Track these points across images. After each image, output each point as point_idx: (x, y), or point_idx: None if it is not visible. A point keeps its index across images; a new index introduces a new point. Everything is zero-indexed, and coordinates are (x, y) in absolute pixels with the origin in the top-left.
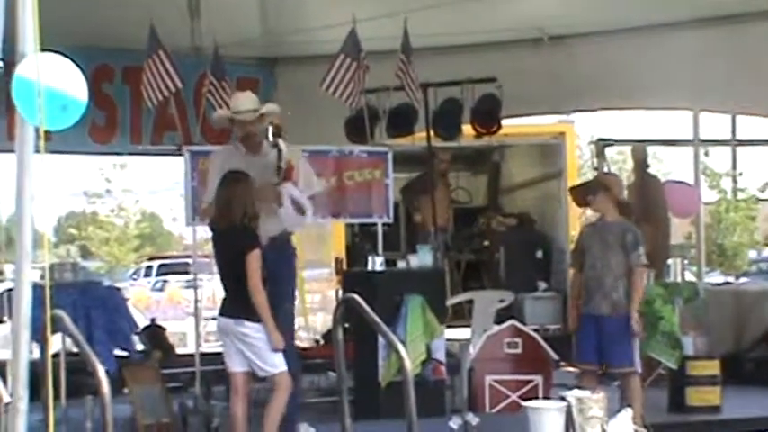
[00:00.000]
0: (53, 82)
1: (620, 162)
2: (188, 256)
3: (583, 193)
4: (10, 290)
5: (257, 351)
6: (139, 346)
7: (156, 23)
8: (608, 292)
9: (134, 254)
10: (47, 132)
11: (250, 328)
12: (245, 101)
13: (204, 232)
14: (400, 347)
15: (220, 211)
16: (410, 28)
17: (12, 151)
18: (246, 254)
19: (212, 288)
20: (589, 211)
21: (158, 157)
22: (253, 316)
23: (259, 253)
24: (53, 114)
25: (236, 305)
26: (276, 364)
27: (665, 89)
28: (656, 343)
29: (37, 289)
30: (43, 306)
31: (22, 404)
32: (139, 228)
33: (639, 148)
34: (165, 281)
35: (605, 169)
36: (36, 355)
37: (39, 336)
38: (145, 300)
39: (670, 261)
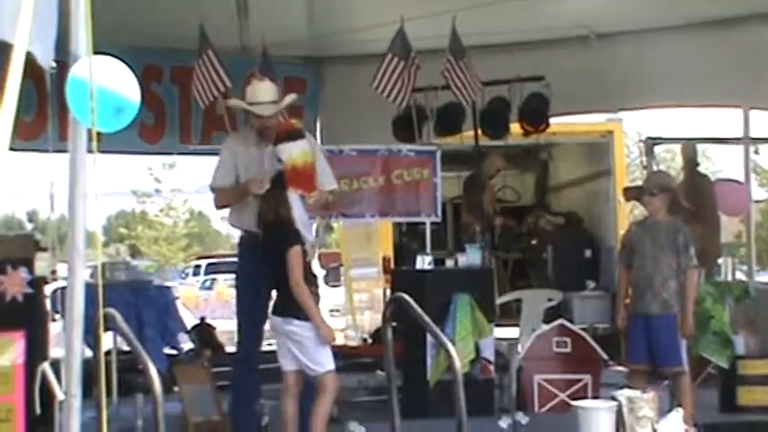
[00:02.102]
0: (107, 84)
1: (669, 160)
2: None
3: (637, 195)
4: (62, 288)
5: (305, 349)
6: (189, 345)
7: (205, 23)
8: (658, 291)
9: (183, 253)
10: (98, 133)
11: (298, 326)
12: (265, 92)
13: None
14: (449, 346)
15: (258, 214)
16: (458, 26)
17: (64, 151)
18: (286, 252)
19: None
20: (637, 210)
21: (207, 156)
22: (300, 314)
23: (299, 250)
24: (106, 116)
25: (284, 303)
26: (323, 363)
27: (715, 86)
28: (706, 342)
29: (89, 288)
30: (95, 305)
31: (76, 402)
32: (188, 227)
33: (689, 147)
34: (213, 279)
35: (654, 167)
36: (88, 353)
37: (91, 334)
38: (194, 298)
39: (720, 260)
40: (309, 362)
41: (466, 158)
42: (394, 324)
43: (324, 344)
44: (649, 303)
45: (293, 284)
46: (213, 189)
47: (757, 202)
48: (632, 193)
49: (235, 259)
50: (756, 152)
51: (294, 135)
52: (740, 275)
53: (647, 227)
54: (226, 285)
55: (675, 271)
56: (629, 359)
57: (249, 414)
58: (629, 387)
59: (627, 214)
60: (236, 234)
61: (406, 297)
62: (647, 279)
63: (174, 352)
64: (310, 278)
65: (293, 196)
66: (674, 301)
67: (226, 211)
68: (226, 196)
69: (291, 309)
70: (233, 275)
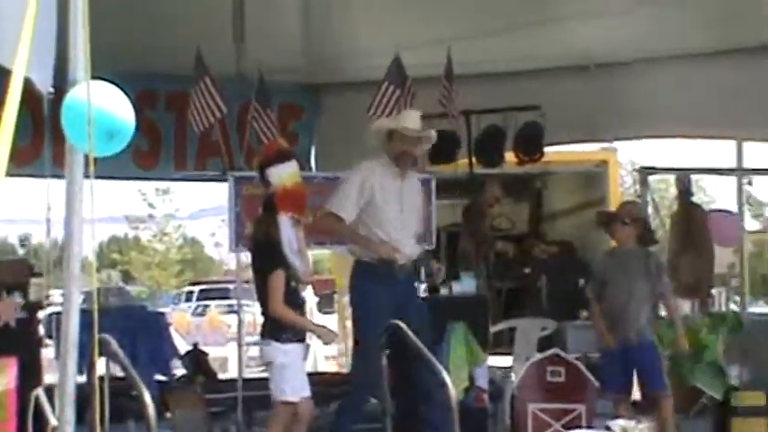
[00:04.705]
0: (102, 108)
1: (663, 190)
2: (229, 282)
3: (608, 221)
4: (57, 313)
5: (272, 371)
6: (182, 371)
7: (201, 48)
8: (633, 319)
9: (175, 279)
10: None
11: (274, 348)
12: (416, 119)
13: (246, 258)
14: (445, 375)
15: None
16: (454, 55)
17: (59, 176)
18: (267, 275)
19: (253, 313)
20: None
21: (201, 182)
22: (279, 335)
23: (281, 274)
24: (100, 140)
25: (265, 326)
26: (285, 389)
27: (709, 118)
28: (700, 373)
29: (83, 313)
30: (89, 330)
31: (70, 428)
32: (181, 252)
33: (683, 177)
34: (205, 305)
35: (648, 197)
36: (80, 378)
37: (85, 360)
38: (185, 324)
39: (714, 291)
40: (273, 385)
41: (460, 186)
42: (387, 351)
43: (296, 371)
44: (625, 332)
45: (271, 309)
46: (332, 214)
47: (750, 233)
48: (604, 219)
49: (227, 285)
50: (749, 183)
51: (283, 156)
52: (733, 306)
53: (618, 256)
54: (218, 311)
55: (649, 298)
56: (608, 390)
57: None
58: (618, 416)
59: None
60: (228, 261)
61: (401, 324)
62: (620, 308)
63: (164, 378)
64: (295, 303)
65: (284, 220)
66: (648, 329)
67: (223, 237)
68: (344, 232)
69: (272, 330)
70: (225, 301)
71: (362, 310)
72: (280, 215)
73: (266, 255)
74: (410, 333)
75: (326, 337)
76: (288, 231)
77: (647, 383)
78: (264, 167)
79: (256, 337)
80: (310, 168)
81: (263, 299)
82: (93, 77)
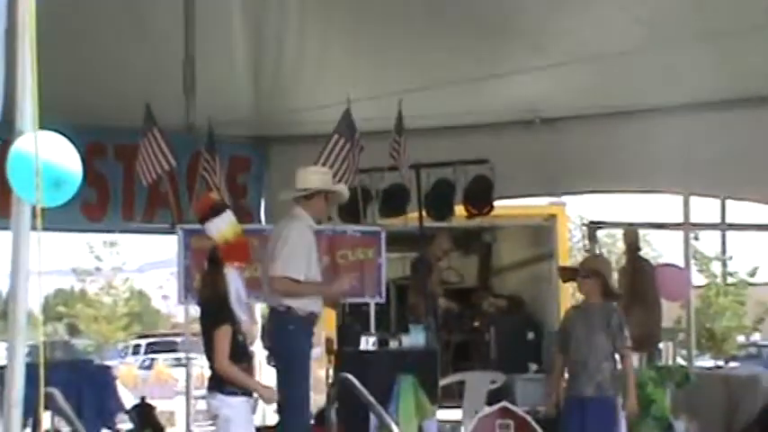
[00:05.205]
0: (48, 158)
1: (611, 245)
2: (176, 335)
3: (572, 276)
4: (1, 367)
5: (221, 424)
6: (128, 425)
7: (150, 101)
8: (592, 374)
9: (122, 332)
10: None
11: (219, 401)
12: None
13: (195, 310)
14: (394, 427)
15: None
16: (404, 108)
17: (4, 228)
18: (213, 331)
19: (201, 366)
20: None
21: (149, 235)
22: (224, 388)
23: (227, 330)
24: (47, 191)
25: (211, 380)
26: None
27: (656, 172)
28: (647, 427)
29: (29, 367)
30: (34, 385)
31: None
32: (128, 305)
33: (631, 232)
34: (153, 359)
35: (596, 251)
36: None
37: (30, 415)
38: (132, 378)
39: (661, 345)
40: None
41: (410, 240)
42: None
43: (241, 424)
44: (584, 386)
45: (216, 366)
46: (288, 278)
47: (697, 287)
48: (567, 274)
49: (175, 338)
50: (696, 238)
51: (218, 209)
52: (680, 360)
53: (582, 310)
54: (165, 365)
55: (610, 354)
56: None
57: None
58: None
59: (569, 297)
60: (176, 314)
61: (351, 377)
62: (581, 362)
63: None
64: (241, 357)
65: (231, 272)
66: (608, 384)
67: (170, 290)
68: (302, 289)
69: (218, 384)
70: (173, 354)
71: (301, 360)
72: (226, 268)
73: (213, 310)
74: (360, 386)
75: (268, 396)
76: (236, 283)
77: None
78: (202, 223)
79: (204, 391)
80: (260, 220)
81: (210, 353)
82: (41, 128)
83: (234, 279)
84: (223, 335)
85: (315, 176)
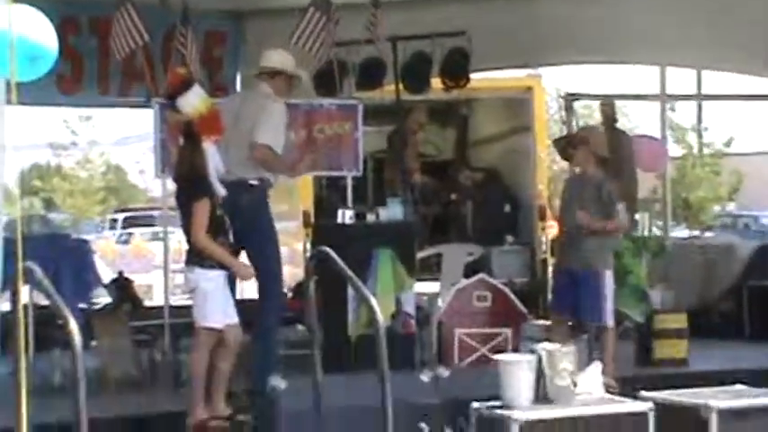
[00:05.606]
0: (23, 32)
1: (587, 116)
2: (153, 209)
3: (564, 146)
4: None
5: (196, 298)
6: (107, 299)
7: None
8: (580, 247)
9: (99, 206)
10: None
11: (197, 274)
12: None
13: (172, 185)
14: (372, 300)
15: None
16: None
17: None
18: (192, 204)
19: (179, 240)
20: (558, 165)
21: (125, 109)
22: (203, 262)
23: (206, 203)
24: (23, 65)
25: (189, 253)
26: (208, 316)
27: (632, 44)
28: (623, 297)
29: (6, 242)
30: (12, 259)
31: None
32: (105, 180)
33: (608, 104)
34: (130, 233)
35: (573, 123)
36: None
37: (8, 289)
38: (110, 252)
39: (638, 215)
40: (196, 312)
41: (387, 113)
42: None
43: (219, 297)
44: (572, 258)
45: (193, 239)
46: (270, 148)
47: (673, 158)
48: (558, 146)
49: (152, 212)
50: (672, 109)
51: (188, 84)
52: (656, 231)
53: (575, 182)
54: (143, 239)
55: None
56: (552, 309)
57: None
58: (549, 340)
59: (546, 170)
60: (153, 188)
61: (330, 251)
62: (570, 234)
63: (86, 306)
64: (220, 230)
65: (209, 146)
66: (596, 259)
67: (147, 165)
68: (277, 163)
69: (196, 257)
70: (150, 229)
71: (274, 230)
72: (204, 142)
73: (191, 184)
74: (338, 259)
75: (243, 272)
76: (215, 158)
77: (583, 312)
78: (173, 98)
79: (181, 265)
80: None
81: (188, 227)
82: (15, 1)
83: (213, 153)
84: (202, 208)
85: (279, 57)
